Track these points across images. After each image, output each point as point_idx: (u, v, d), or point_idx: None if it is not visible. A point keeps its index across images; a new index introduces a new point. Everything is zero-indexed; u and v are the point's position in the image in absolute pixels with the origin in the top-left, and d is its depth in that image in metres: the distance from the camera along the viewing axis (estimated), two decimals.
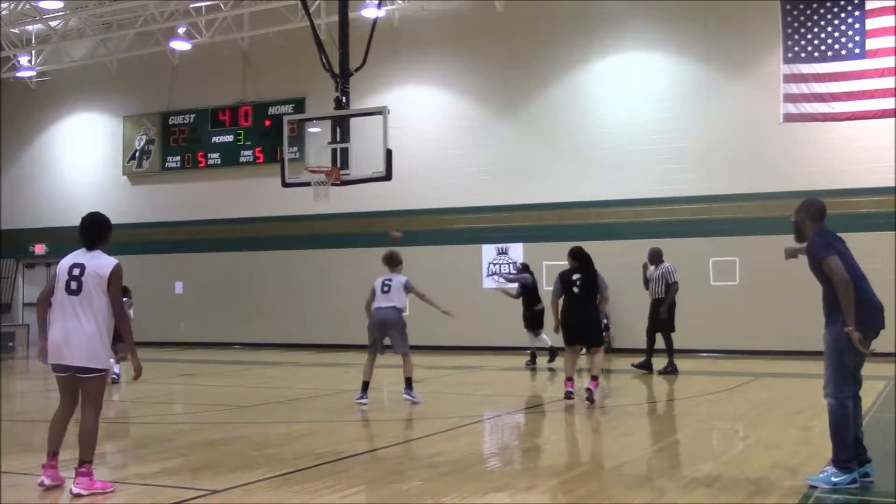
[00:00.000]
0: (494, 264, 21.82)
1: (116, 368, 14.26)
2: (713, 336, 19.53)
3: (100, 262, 6.84)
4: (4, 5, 23.66)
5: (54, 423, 6.92)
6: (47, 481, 6.79)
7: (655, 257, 15.98)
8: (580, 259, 11.88)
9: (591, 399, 11.37)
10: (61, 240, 26.40)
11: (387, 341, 11.86)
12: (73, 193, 27.37)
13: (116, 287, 6.85)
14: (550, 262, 20.89)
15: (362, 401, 11.58)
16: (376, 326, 11.80)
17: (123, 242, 25.62)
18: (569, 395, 11.51)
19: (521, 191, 21.75)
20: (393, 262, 12.07)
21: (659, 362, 15.65)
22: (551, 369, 16.66)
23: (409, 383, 11.83)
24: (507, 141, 22.12)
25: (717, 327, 19.53)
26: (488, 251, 22.04)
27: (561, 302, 11.73)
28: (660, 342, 15.77)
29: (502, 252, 21.79)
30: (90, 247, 6.93)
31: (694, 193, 20.21)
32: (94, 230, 6.97)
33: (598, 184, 20.99)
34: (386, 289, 11.80)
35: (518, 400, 12.93)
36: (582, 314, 11.67)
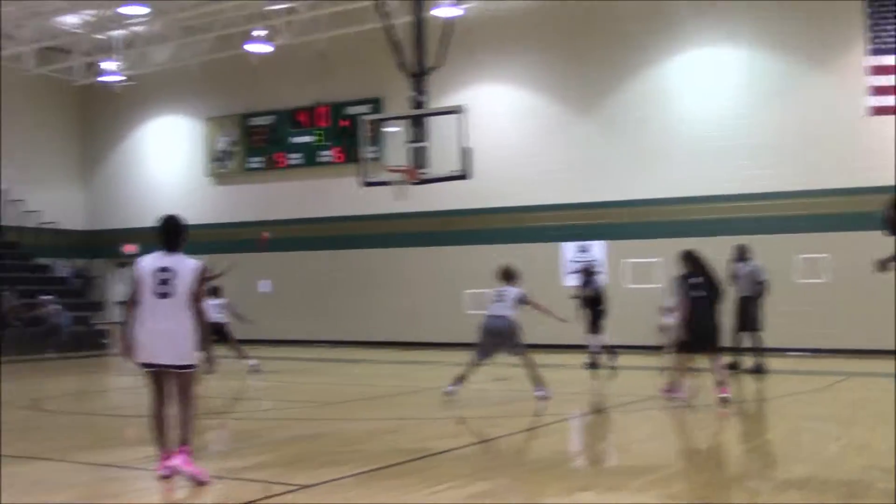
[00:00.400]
0: (575, 262, 21.69)
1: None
2: (801, 334, 19.12)
3: (187, 265, 7.08)
4: (92, 12, 24.29)
5: (156, 421, 7.13)
6: (168, 473, 6.98)
7: (743, 254, 15.73)
8: (695, 263, 11.67)
9: (726, 401, 11.15)
10: (151, 240, 26.99)
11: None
12: (159, 194, 27.98)
13: (200, 287, 7.11)
14: (631, 260, 20.77)
15: (453, 389, 11.82)
16: (487, 334, 11.98)
17: (207, 242, 26.18)
18: (671, 398, 11.42)
19: (601, 188, 21.60)
20: (508, 277, 12.26)
21: (744, 362, 15.38)
22: (592, 366, 16.50)
23: (535, 381, 11.95)
24: (584, 138, 21.98)
25: (804, 325, 19.12)
26: (568, 249, 21.93)
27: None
28: (746, 341, 15.49)
29: (583, 250, 21.67)
30: (173, 249, 7.16)
31: (776, 189, 19.82)
32: (178, 232, 7.23)
33: (679, 180, 20.72)
34: (499, 298, 12.02)
35: (602, 398, 12.87)
36: (705, 319, 11.44)
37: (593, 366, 16.65)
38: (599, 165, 21.69)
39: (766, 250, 18.01)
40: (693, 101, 20.82)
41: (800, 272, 19.19)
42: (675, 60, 21.20)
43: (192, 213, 26.35)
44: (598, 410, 11.65)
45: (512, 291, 12.06)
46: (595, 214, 21.64)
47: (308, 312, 24.73)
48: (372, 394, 13.36)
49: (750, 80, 20.39)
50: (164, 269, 7.01)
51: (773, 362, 15.78)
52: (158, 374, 7.07)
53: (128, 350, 7.11)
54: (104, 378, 17.26)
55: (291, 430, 10.33)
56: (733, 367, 15.22)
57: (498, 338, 11.91)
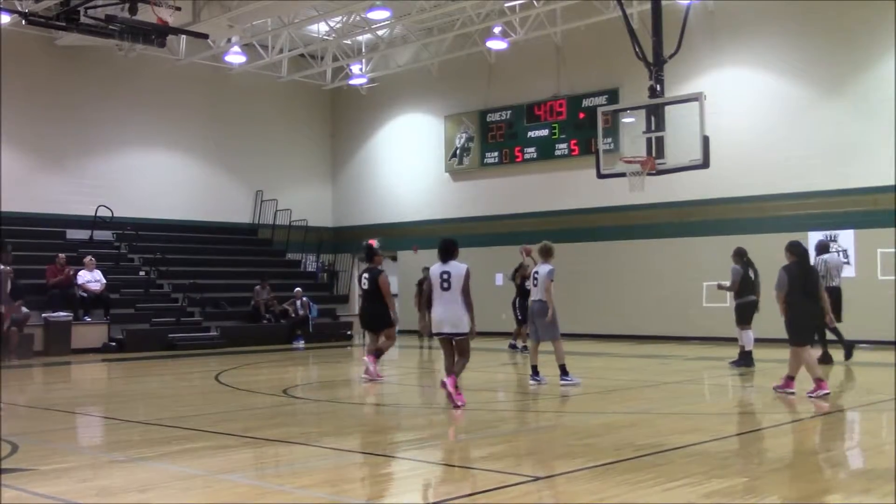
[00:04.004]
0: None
1: None
2: None
3: (458, 269, 10.51)
4: (339, 19, 25.51)
5: (448, 365, 10.83)
6: (460, 402, 10.36)
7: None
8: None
9: None
10: (393, 234, 28.10)
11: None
12: (401, 191, 29.04)
13: (467, 283, 10.44)
14: (887, 250, 19.50)
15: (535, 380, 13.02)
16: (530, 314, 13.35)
17: (446, 236, 26.85)
18: None
19: (852, 173, 20.38)
20: (547, 254, 13.19)
21: None
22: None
23: (562, 370, 13.00)
24: (834, 120, 20.79)
25: None
26: (815, 239, 20.79)
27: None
28: None
29: (831, 240, 20.51)
30: (447, 259, 10.58)
31: None
32: (451, 248, 10.66)
33: None
34: (535, 282, 13.06)
35: (853, 396, 12.17)
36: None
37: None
38: (850, 149, 20.47)
39: None
40: None
41: None
42: None
43: (432, 209, 27.51)
44: (850, 408, 11.01)
45: (544, 268, 12.91)
46: (846, 202, 20.43)
47: None
48: (607, 387, 13.27)
49: None
50: (445, 272, 10.46)
51: None
52: (446, 341, 10.67)
53: (426, 328, 10.82)
54: (348, 368, 18.09)
55: (525, 421, 10.46)
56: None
57: (537, 320, 13.07)
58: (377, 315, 13.95)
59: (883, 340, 18.95)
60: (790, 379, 11.53)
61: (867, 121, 20.33)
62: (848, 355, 15.68)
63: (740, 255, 15.47)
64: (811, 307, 11.40)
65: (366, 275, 14.03)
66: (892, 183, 19.72)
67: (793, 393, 11.39)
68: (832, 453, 8.32)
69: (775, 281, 11.54)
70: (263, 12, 22.41)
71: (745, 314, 15.25)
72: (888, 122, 19.91)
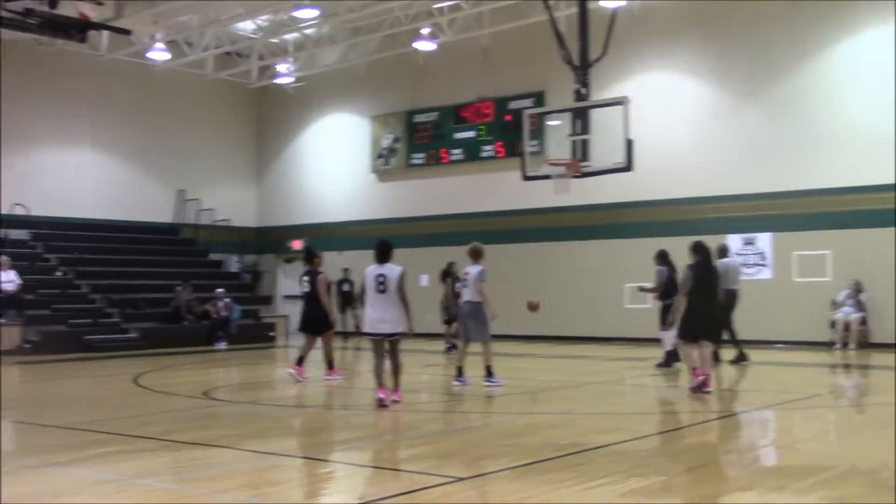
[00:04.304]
0: (740, 254, 21.00)
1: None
2: None
3: (393, 271, 10.48)
4: (266, 17, 25.21)
5: (379, 369, 10.60)
6: (382, 395, 10.47)
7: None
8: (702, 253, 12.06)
9: None
10: (319, 235, 27.86)
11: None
12: (326, 191, 28.84)
13: (403, 283, 10.47)
14: (802, 252, 19.98)
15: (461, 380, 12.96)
16: (460, 317, 13.41)
17: (371, 237, 26.75)
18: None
19: (770, 178, 20.84)
20: (474, 255, 13.31)
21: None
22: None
23: (459, 370, 13.06)
24: (753, 126, 21.25)
25: None
26: (734, 242, 21.20)
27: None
28: None
29: (749, 242, 20.96)
30: (383, 261, 10.53)
31: None
32: (388, 250, 10.61)
33: (855, 169, 19.75)
34: (464, 283, 13.09)
35: (768, 396, 12.43)
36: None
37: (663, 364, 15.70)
38: (767, 154, 20.96)
39: None
40: (872, 86, 19.78)
41: None
42: (851, 42, 20.22)
43: (357, 210, 27.38)
44: (765, 407, 11.24)
45: (474, 270, 13.00)
46: (764, 205, 20.90)
47: None
48: (531, 387, 13.35)
49: None
50: (380, 275, 10.43)
51: None
52: (380, 342, 10.60)
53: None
54: (271, 369, 17.91)
55: (448, 422, 10.46)
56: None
57: (468, 321, 13.06)
58: (318, 317, 13.85)
59: (796, 341, 19.45)
60: (705, 377, 11.77)
61: (783, 126, 20.81)
62: (740, 357, 15.89)
63: (663, 257, 15.68)
64: (708, 307, 11.87)
65: (305, 277, 14.00)
66: (807, 188, 20.28)
67: (709, 392, 11.58)
68: (748, 451, 8.48)
69: (680, 279, 11.97)
70: (188, 9, 22.07)
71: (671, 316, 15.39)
72: (802, 129, 20.43)
